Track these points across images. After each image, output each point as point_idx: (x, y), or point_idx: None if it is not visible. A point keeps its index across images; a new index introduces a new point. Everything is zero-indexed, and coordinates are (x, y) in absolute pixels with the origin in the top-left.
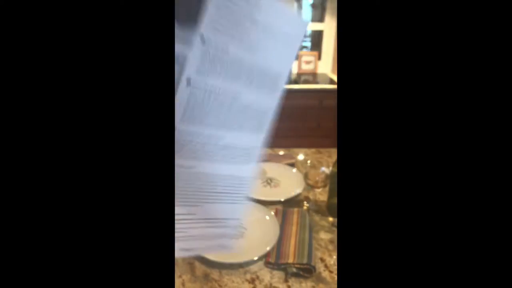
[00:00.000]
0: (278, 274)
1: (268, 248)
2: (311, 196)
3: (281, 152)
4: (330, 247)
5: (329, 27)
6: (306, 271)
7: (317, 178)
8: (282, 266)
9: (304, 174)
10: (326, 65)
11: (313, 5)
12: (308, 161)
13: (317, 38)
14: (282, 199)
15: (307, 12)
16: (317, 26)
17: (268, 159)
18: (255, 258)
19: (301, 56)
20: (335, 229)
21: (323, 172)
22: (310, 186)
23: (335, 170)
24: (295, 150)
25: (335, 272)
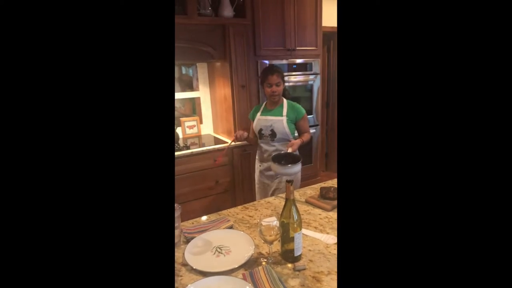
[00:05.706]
0: None
1: None
2: (262, 251)
3: (212, 218)
4: None
5: (203, 93)
6: None
7: (271, 232)
8: None
9: (259, 231)
10: (208, 127)
11: (188, 77)
12: (260, 219)
13: (195, 105)
14: (241, 264)
15: (183, 83)
16: (194, 94)
17: (206, 228)
18: None
19: (184, 122)
20: (298, 273)
21: (275, 225)
22: (268, 242)
23: (282, 220)
24: (223, 212)
25: None
